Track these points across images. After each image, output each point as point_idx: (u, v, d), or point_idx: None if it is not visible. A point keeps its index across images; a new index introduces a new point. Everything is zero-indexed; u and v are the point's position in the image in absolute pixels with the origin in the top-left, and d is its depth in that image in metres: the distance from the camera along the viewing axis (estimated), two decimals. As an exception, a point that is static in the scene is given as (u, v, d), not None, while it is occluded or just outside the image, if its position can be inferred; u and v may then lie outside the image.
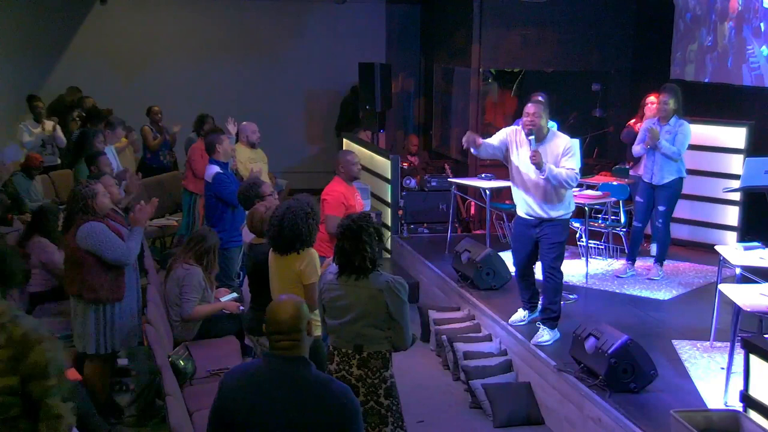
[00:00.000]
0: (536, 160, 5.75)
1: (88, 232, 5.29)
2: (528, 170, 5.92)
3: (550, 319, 6.11)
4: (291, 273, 4.67)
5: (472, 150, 5.99)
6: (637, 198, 7.73)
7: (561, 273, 6.11)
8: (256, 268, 5.18)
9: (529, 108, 5.86)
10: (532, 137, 5.84)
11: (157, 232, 9.53)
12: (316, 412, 2.95)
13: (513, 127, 6.12)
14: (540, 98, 7.45)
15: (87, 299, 5.38)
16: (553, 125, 8.02)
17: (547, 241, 5.98)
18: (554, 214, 5.95)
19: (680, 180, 7.47)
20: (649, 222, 7.82)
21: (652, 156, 7.44)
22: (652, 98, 8.13)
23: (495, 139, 6.07)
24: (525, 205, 6.03)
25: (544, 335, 6.05)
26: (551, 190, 5.88)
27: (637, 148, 7.64)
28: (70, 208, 5.46)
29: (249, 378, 3.06)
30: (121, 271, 5.44)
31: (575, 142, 5.99)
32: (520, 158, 5.95)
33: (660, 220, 7.53)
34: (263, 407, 2.97)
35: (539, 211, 5.96)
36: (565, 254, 8.37)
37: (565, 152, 5.85)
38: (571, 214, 6.11)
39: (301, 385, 2.99)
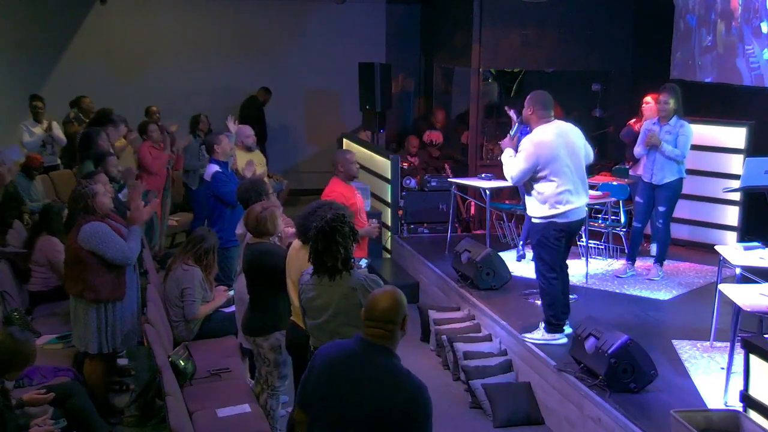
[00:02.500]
0: (503, 141, 6.15)
1: (90, 232, 5.31)
2: None
3: (547, 323, 6.04)
4: (301, 266, 4.66)
5: None
6: (637, 198, 7.73)
7: (544, 278, 5.93)
8: (253, 267, 5.17)
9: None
10: (517, 125, 6.29)
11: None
12: (388, 399, 3.08)
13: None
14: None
15: (89, 299, 5.39)
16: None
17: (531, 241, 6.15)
18: (528, 211, 6.08)
19: (680, 180, 7.46)
20: (648, 222, 7.83)
21: (652, 156, 7.44)
22: (648, 98, 8.12)
23: None
24: None
25: (534, 333, 6.07)
26: (526, 187, 6.04)
27: (637, 150, 7.65)
28: (72, 208, 5.47)
29: (337, 355, 3.23)
30: (122, 270, 5.46)
31: (530, 145, 5.79)
32: None
33: (660, 221, 7.53)
34: (343, 384, 3.14)
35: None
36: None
37: (521, 148, 5.89)
38: (547, 221, 5.83)
39: (379, 371, 3.13)
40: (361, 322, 4.00)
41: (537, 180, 5.81)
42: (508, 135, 6.20)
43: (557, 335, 6.00)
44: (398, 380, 3.12)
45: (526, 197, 6.07)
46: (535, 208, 5.89)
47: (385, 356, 3.16)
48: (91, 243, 5.30)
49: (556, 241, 5.85)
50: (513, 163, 5.87)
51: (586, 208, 6.09)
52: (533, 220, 5.97)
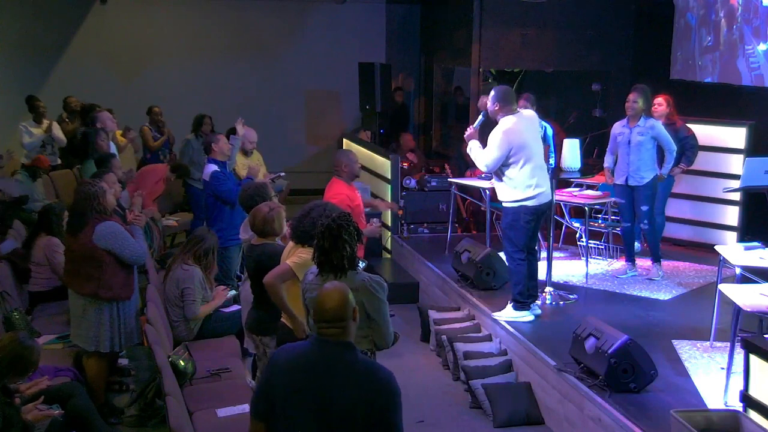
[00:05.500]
0: (468, 131, 6.36)
1: (107, 231, 5.40)
2: None
3: (513, 300, 6.49)
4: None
5: None
6: (618, 199, 7.74)
7: (511, 259, 6.39)
8: (260, 268, 5.16)
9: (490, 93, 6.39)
10: (480, 119, 6.46)
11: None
12: (359, 393, 3.07)
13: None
14: (525, 100, 7.85)
15: (103, 298, 5.48)
16: (546, 126, 8.11)
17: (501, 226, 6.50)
18: (500, 198, 6.39)
19: (656, 177, 7.51)
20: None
21: (625, 159, 7.48)
22: (659, 99, 8.11)
23: None
24: None
25: (502, 312, 6.53)
26: (497, 174, 6.28)
27: (609, 159, 7.69)
28: (82, 207, 5.48)
29: (297, 359, 3.18)
30: (132, 269, 5.60)
31: (500, 133, 6.13)
32: None
33: (645, 221, 7.52)
34: (309, 388, 3.09)
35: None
36: (564, 254, 8.48)
37: (490, 137, 6.21)
38: (518, 204, 6.21)
39: (346, 368, 3.11)
40: (362, 323, 4.02)
41: (508, 166, 6.18)
42: (471, 127, 6.43)
43: (523, 312, 6.46)
44: (367, 373, 3.12)
45: (496, 184, 6.38)
46: (507, 192, 6.27)
47: (347, 352, 3.13)
48: (108, 242, 5.39)
49: (525, 224, 6.27)
50: (486, 153, 6.21)
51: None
52: (504, 204, 6.34)
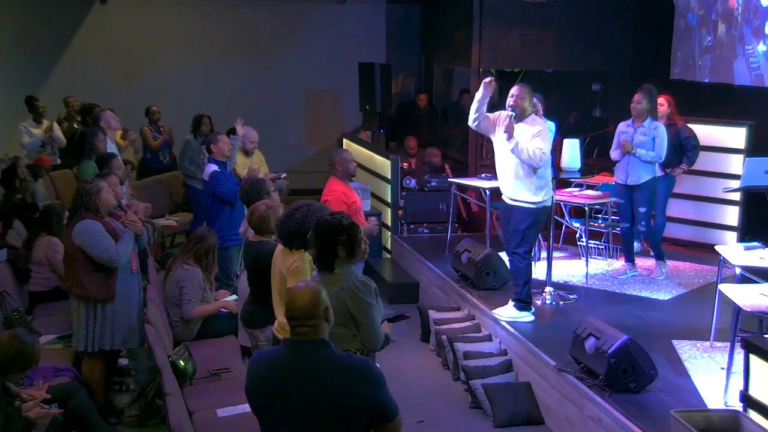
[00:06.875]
0: (509, 127, 6.13)
1: (82, 229, 5.36)
2: (501, 149, 6.26)
3: (516, 300, 6.47)
4: (283, 269, 4.68)
5: (477, 105, 6.19)
6: (617, 199, 7.74)
7: (523, 259, 6.34)
8: (255, 264, 5.18)
9: (514, 89, 6.23)
10: (512, 114, 6.18)
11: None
12: (341, 386, 3.07)
13: (504, 111, 6.27)
14: (535, 99, 7.63)
15: (77, 295, 5.46)
16: (551, 125, 8.09)
17: (511, 226, 6.34)
18: (517, 197, 6.24)
19: (655, 179, 7.53)
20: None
21: (625, 158, 7.50)
22: (660, 100, 8.10)
23: (490, 115, 6.34)
24: (501, 186, 6.43)
25: (504, 310, 6.51)
26: (517, 171, 6.16)
27: (614, 154, 7.68)
28: (74, 204, 5.48)
29: (272, 362, 3.19)
30: (112, 272, 5.45)
31: (549, 128, 6.19)
32: (498, 137, 6.28)
33: (642, 222, 7.52)
34: (288, 389, 3.09)
35: (507, 193, 6.34)
36: (564, 254, 8.48)
37: (536, 134, 6.11)
38: (541, 205, 6.22)
39: (322, 364, 3.10)
40: (350, 323, 4.00)
41: (543, 166, 6.16)
42: (510, 120, 6.15)
43: (524, 312, 6.46)
44: (346, 366, 3.12)
45: (522, 185, 6.18)
46: (531, 194, 6.21)
47: (321, 349, 3.13)
48: (80, 240, 5.35)
49: (541, 224, 6.42)
50: (540, 150, 6.07)
51: None
52: (526, 205, 6.22)
